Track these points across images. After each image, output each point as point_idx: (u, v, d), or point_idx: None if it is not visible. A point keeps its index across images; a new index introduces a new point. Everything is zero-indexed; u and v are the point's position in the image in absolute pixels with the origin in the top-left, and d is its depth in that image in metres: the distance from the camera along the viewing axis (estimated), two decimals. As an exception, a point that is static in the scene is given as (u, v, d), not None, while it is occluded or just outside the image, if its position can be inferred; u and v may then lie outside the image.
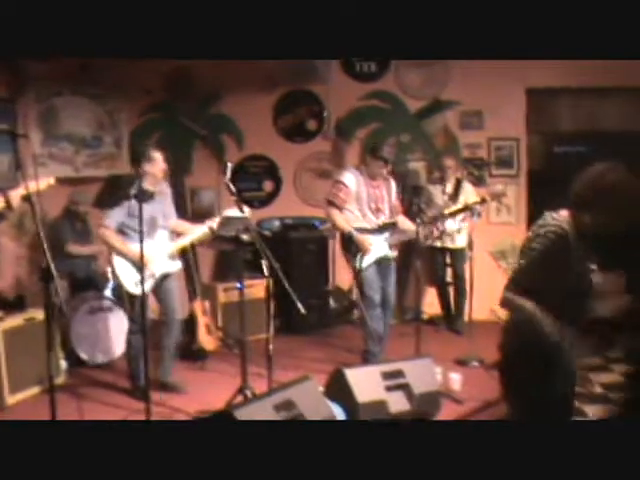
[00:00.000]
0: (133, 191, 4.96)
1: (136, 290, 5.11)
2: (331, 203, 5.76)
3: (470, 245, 6.51)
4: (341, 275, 7.55)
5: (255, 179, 8.26)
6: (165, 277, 5.32)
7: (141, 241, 4.34)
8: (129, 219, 5.11)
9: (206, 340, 6.47)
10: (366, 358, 5.80)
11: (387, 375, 4.56)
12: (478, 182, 7.84)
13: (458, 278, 7.37)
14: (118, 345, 6.15)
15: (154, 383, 5.39)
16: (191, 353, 6.37)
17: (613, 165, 2.64)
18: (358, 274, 5.64)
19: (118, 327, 6.11)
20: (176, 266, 5.40)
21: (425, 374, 4.73)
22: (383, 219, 5.84)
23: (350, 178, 5.74)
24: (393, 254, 5.89)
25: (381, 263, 5.79)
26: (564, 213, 2.88)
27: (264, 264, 4.47)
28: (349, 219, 5.72)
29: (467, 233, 7.12)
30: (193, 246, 6.48)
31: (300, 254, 7.50)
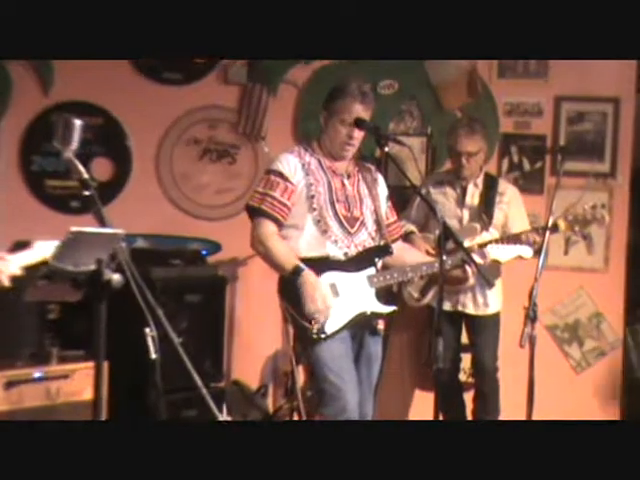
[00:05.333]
0: None
1: None
2: (259, 213, 4.06)
3: (533, 315, 4.24)
4: (249, 354, 5.80)
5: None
6: None
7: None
8: None
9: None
10: None
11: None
12: (533, 186, 5.64)
13: (485, 375, 5.20)
14: None
15: None
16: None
17: None
18: (309, 349, 3.94)
19: None
20: None
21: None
22: (363, 239, 4.12)
23: (293, 165, 4.10)
24: (385, 308, 4.13)
25: (358, 326, 4.09)
26: None
27: (148, 333, 2.91)
28: (298, 245, 4.09)
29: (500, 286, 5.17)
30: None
31: (171, 311, 5.15)
